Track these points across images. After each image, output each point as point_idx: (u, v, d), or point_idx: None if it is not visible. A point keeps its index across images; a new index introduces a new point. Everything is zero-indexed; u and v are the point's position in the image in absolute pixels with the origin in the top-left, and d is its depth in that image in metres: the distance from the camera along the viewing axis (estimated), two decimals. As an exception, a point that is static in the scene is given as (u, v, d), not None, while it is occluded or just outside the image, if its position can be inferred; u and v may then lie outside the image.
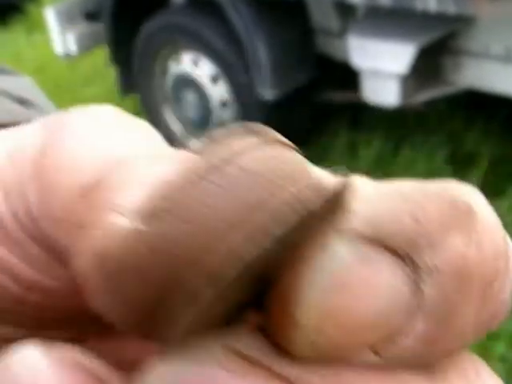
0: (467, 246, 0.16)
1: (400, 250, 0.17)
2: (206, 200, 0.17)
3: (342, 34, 2.38)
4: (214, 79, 2.63)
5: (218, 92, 2.64)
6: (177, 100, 2.83)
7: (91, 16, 3.12)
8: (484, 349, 1.78)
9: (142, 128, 0.22)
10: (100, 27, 3.07)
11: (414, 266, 0.17)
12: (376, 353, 0.17)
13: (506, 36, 2.14)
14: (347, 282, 0.16)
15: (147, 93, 2.96)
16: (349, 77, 2.37)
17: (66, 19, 3.07)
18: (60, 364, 0.18)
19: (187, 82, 2.75)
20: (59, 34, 3.09)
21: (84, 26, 3.14)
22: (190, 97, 2.76)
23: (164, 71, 2.86)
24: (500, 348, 1.78)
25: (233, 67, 2.50)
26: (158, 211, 0.18)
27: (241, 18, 2.40)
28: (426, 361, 0.18)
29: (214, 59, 2.59)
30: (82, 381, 0.18)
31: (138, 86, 3.01)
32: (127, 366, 0.24)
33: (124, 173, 0.20)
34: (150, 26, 2.80)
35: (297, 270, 0.16)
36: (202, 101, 2.70)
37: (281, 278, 0.17)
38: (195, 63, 2.70)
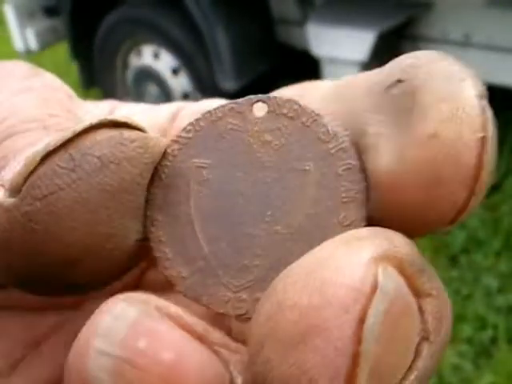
0: None
1: None
2: (56, 181, 0.20)
3: (301, 22, 2.38)
4: (175, 71, 2.62)
5: (180, 84, 2.63)
6: (139, 93, 2.82)
7: (51, 11, 3.08)
8: (451, 331, 1.80)
9: (45, 87, 0.25)
10: (60, 22, 3.04)
11: None
12: None
13: (464, 21, 2.15)
14: None
15: (109, 87, 2.94)
16: (309, 65, 2.38)
17: (26, 15, 3.03)
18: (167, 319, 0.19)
19: (148, 75, 2.74)
20: (19, 31, 3.05)
21: (44, 22, 3.10)
22: (151, 89, 2.75)
23: (125, 65, 2.84)
24: (467, 330, 1.80)
25: (193, 59, 2.48)
26: (18, 188, 0.20)
27: (200, 9, 2.39)
28: None
29: (174, 51, 2.58)
30: (185, 335, 0.19)
31: (99, 80, 2.99)
32: (50, 301, 0.27)
33: (11, 143, 0.22)
34: (109, 20, 2.77)
35: None
36: (163, 93, 2.69)
37: None
38: (156, 56, 2.69)
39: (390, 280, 0.18)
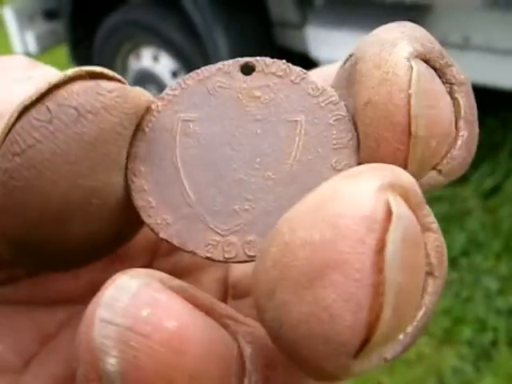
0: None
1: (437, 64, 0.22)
2: (34, 134, 0.20)
3: (300, 25, 2.38)
4: (175, 74, 2.62)
5: (179, 87, 2.61)
6: (138, 96, 2.81)
7: (51, 14, 3.08)
8: (451, 334, 1.80)
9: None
10: (60, 26, 3.03)
11: (447, 78, 0.22)
12: (439, 171, 0.22)
13: (463, 24, 2.15)
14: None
15: (109, 90, 2.94)
16: (308, 68, 2.37)
17: (25, 18, 3.03)
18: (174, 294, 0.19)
19: (148, 78, 2.73)
20: (18, 34, 3.05)
21: (43, 25, 3.09)
22: (151, 92, 2.72)
23: (125, 68, 2.84)
24: (467, 333, 1.80)
25: (193, 62, 2.48)
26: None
27: (199, 13, 2.39)
28: (462, 168, 0.22)
29: (174, 54, 2.57)
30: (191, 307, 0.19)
31: (99, 83, 2.98)
32: (58, 295, 0.27)
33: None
34: (109, 23, 2.77)
35: None
36: (163, 96, 2.68)
37: None
38: (155, 59, 2.68)
39: (402, 207, 0.17)
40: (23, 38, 3.05)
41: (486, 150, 2.25)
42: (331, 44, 2.22)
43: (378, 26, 0.23)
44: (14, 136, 0.20)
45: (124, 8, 2.76)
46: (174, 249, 0.23)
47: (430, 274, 0.19)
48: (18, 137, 0.20)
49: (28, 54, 3.10)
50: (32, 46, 3.06)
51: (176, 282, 0.19)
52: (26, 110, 0.20)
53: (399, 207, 0.17)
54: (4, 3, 3.00)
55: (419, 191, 0.19)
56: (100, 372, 0.17)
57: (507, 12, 2.01)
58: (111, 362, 0.17)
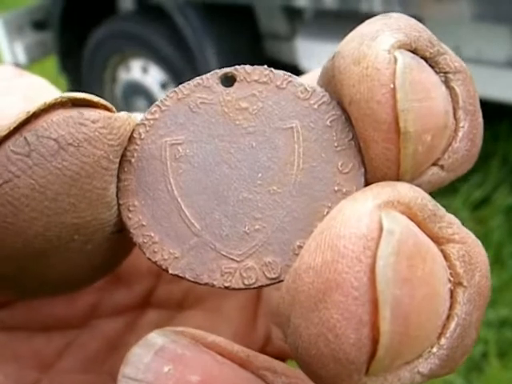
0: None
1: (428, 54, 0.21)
2: (10, 168, 0.18)
3: (290, 37, 2.39)
4: (164, 86, 2.62)
5: (169, 99, 2.62)
6: (128, 107, 2.81)
7: (40, 25, 3.08)
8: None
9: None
10: (49, 36, 3.03)
11: (440, 67, 0.21)
12: (441, 166, 0.20)
13: (454, 36, 2.16)
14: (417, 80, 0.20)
15: (98, 101, 2.94)
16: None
17: (14, 29, 3.03)
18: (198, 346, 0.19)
19: (137, 90, 2.73)
20: (7, 45, 3.05)
21: (32, 36, 3.10)
22: (140, 104, 2.74)
23: (114, 79, 2.84)
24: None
25: (182, 74, 2.48)
26: None
27: (189, 24, 2.39)
28: (467, 162, 0.21)
29: (163, 66, 2.57)
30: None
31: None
32: (55, 320, 0.26)
33: None
34: (98, 34, 2.77)
35: None
36: (152, 108, 2.69)
37: None
38: (144, 70, 2.68)
39: (395, 222, 0.17)
40: (12, 49, 3.05)
41: (475, 161, 2.26)
42: (321, 56, 2.23)
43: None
44: None
45: (113, 19, 2.76)
46: None
47: (458, 284, 0.18)
48: None
49: (17, 65, 3.09)
50: (21, 56, 3.06)
51: (209, 337, 0.19)
52: (2, 140, 0.19)
53: (391, 223, 0.17)
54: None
55: (429, 205, 0.18)
56: None
57: (495, 25, 2.02)
58: None
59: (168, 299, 0.28)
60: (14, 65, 3.10)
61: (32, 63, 3.13)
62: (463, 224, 0.19)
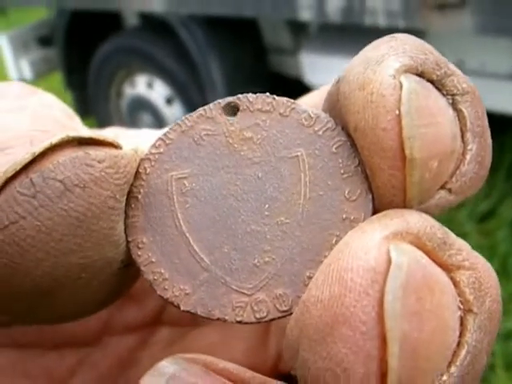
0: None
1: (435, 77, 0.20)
2: (16, 209, 0.18)
3: (294, 51, 2.39)
4: (169, 101, 2.62)
5: (174, 113, 2.63)
6: (133, 122, 2.82)
7: (45, 41, 3.09)
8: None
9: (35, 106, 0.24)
10: (54, 52, 3.05)
11: (447, 90, 0.21)
12: (449, 190, 0.20)
13: (457, 48, 2.16)
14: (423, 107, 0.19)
15: (104, 116, 2.94)
16: (302, 94, 2.38)
17: (20, 45, 3.04)
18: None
19: (142, 105, 2.74)
20: (13, 61, 3.06)
21: (38, 52, 3.11)
22: (145, 119, 2.75)
23: (119, 94, 2.85)
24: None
25: (187, 88, 2.48)
26: None
27: (193, 39, 2.40)
28: (475, 184, 0.21)
29: (168, 81, 2.58)
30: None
31: (94, 110, 2.99)
32: (67, 337, 0.27)
33: None
34: (103, 50, 2.78)
35: None
36: (157, 122, 2.69)
37: None
38: (150, 85, 2.69)
39: (404, 254, 0.17)
40: (18, 65, 3.07)
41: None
42: (325, 70, 2.23)
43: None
44: None
45: (118, 35, 2.77)
46: None
47: (468, 310, 0.18)
48: (0, 211, 0.18)
49: (23, 81, 3.10)
50: (27, 72, 3.08)
51: (220, 363, 0.19)
52: (8, 181, 0.18)
53: (399, 256, 0.17)
54: (-1, 30, 3.01)
55: (438, 233, 0.18)
56: None
57: (498, 37, 2.02)
58: None
59: (180, 316, 0.28)
60: (20, 81, 3.10)
61: (38, 78, 3.14)
62: (469, 236, 0.19)
